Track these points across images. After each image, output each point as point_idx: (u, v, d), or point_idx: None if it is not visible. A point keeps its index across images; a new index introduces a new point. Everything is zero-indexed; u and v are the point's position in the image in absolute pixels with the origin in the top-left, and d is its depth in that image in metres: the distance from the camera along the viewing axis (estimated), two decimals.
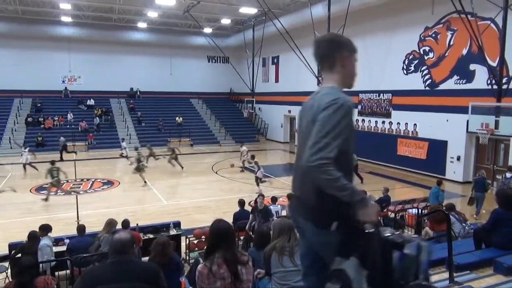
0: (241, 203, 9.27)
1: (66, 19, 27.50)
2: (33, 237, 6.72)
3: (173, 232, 8.29)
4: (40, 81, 29.21)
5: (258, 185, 14.50)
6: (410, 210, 9.76)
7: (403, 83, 18.79)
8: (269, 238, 3.79)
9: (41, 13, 26.42)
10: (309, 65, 20.68)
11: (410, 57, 18.43)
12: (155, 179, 16.53)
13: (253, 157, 16.13)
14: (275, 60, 30.28)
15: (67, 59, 30.34)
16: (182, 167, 18.34)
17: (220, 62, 35.42)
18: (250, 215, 8.70)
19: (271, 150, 27.32)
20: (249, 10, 24.69)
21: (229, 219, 8.88)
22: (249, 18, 27.89)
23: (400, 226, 9.07)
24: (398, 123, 19.26)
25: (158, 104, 31.99)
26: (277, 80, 30.35)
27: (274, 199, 9.52)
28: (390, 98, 19.71)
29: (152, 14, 26.07)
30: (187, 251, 8.29)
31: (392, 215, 9.69)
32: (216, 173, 18.37)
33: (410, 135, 18.57)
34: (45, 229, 7.00)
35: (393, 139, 19.35)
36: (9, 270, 6.96)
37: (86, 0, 23.59)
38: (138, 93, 32.66)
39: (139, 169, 15.60)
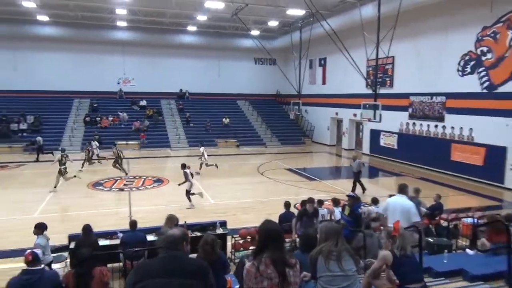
0: (287, 205, 9.27)
1: (121, 24, 28.90)
2: (87, 230, 7.12)
3: (219, 231, 8.44)
4: (97, 82, 30.91)
5: (189, 199, 12.60)
6: (465, 219, 9.27)
7: (458, 86, 17.87)
8: (315, 241, 3.78)
9: (99, 18, 27.94)
10: (357, 66, 20.24)
11: (466, 58, 17.51)
12: (202, 179, 16.92)
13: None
14: (322, 62, 29.97)
15: (122, 62, 31.85)
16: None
17: (266, 64, 35.62)
18: (295, 218, 8.67)
19: (317, 153, 27.05)
20: (296, 12, 24.62)
21: (274, 220, 8.96)
22: (297, 20, 27.79)
23: (454, 235, 8.64)
24: (452, 127, 18.36)
25: (206, 105, 32.72)
26: (324, 82, 30.02)
27: (320, 202, 9.43)
28: (444, 101, 18.82)
29: (202, 17, 26.70)
30: (232, 250, 8.41)
31: (445, 223, 9.26)
32: (262, 174, 18.47)
33: (466, 140, 17.63)
34: (40, 227, 7.04)
35: (446, 144, 18.47)
36: (68, 260, 7.44)
37: (140, 5, 24.63)
38: (187, 94, 33.61)
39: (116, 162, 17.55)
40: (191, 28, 30.22)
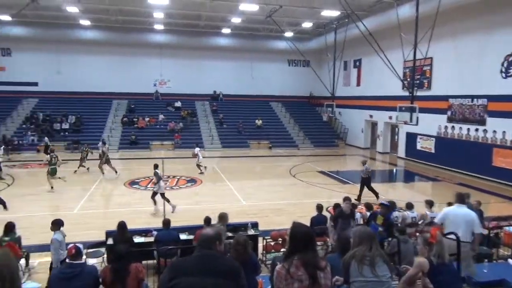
0: (319, 208, 9.18)
1: (158, 27, 29.68)
2: (122, 227, 7.33)
3: (251, 232, 8.48)
4: (135, 84, 31.88)
5: (154, 202, 12.04)
6: (507, 228, 8.84)
7: (501, 87, 17.06)
8: (349, 245, 3.73)
9: (137, 22, 28.81)
10: (393, 68, 19.79)
11: (510, 59, 16.70)
12: (234, 180, 17.06)
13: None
14: (357, 63, 29.48)
15: (158, 64, 32.69)
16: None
17: (300, 65, 35.49)
18: (329, 221, 8.56)
19: (351, 156, 26.62)
20: (331, 13, 24.37)
21: (306, 224, 8.89)
22: (331, 21, 27.50)
23: (494, 244, 8.26)
24: (494, 131, 17.55)
25: (239, 106, 32.99)
26: (358, 84, 29.52)
27: (353, 206, 9.27)
28: (486, 103, 18.02)
29: (236, 20, 26.96)
30: (264, 252, 8.43)
31: (485, 232, 8.87)
32: (294, 176, 18.40)
33: (509, 144, 16.82)
34: (57, 224, 7.21)
35: (487, 149, 17.68)
36: (105, 255, 7.70)
37: (176, 9, 25.18)
38: (221, 96, 34.02)
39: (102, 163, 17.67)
40: (226, 30, 30.57)
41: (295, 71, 35.75)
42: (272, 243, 8.46)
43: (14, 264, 2.34)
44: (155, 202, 11.97)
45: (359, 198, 13.30)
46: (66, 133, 26.81)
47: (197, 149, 18.95)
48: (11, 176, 17.07)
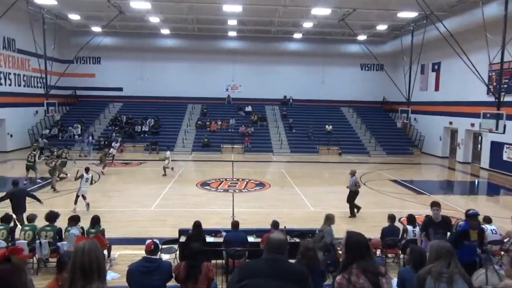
0: (391, 218, 8.80)
1: (232, 34, 30.68)
2: (197, 226, 7.64)
3: None
4: (208, 89, 33.18)
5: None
6: None
7: None
8: (424, 259, 3.53)
9: (212, 29, 30.06)
10: (477, 71, 18.35)
11: None
12: (302, 185, 16.96)
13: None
14: (436, 67, 27.77)
15: (231, 70, 33.71)
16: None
17: (373, 69, 34.38)
18: (418, 232, 7.99)
19: (427, 165, 25.13)
20: (408, 14, 23.32)
21: (377, 234, 8.56)
22: (408, 23, 26.31)
23: None
24: None
25: (309, 111, 32.78)
26: (437, 89, 27.78)
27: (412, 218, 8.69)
28: None
29: (308, 24, 26.90)
30: None
31: None
32: (364, 184, 17.80)
33: None
34: (74, 220, 7.82)
35: None
36: (177, 252, 8.07)
37: (249, 16, 25.82)
38: (291, 100, 34.09)
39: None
40: (297, 35, 30.64)
41: (367, 75, 34.69)
42: (341, 252, 8.26)
43: (102, 255, 2.55)
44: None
45: (352, 214, 12.43)
46: (146, 135, 28.64)
47: (168, 153, 19.15)
48: (97, 173, 18.65)
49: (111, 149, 21.51)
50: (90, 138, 25.75)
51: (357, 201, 12.58)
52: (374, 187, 16.95)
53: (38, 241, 7.73)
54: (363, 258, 2.94)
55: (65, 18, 27.29)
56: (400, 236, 8.50)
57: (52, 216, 8.14)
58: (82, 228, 7.98)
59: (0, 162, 21.28)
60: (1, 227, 7.98)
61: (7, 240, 7.75)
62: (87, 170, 12.92)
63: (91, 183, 12.94)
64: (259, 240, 7.82)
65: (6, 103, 24.63)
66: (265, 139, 29.07)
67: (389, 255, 8.60)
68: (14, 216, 8.88)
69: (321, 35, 31.08)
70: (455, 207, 13.48)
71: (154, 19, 26.25)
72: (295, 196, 15.17)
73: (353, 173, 12.81)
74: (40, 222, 8.27)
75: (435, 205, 7.22)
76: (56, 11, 25.73)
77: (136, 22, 28.07)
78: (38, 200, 10.37)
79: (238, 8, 22.46)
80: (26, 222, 8.46)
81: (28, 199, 10.09)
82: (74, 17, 26.55)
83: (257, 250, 7.26)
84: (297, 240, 8.12)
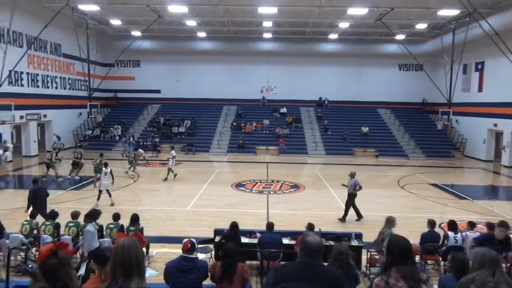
0: (431, 223, 8.49)
1: (267, 35, 30.79)
2: (234, 227, 7.71)
3: (354, 243, 8.24)
4: (243, 91, 33.44)
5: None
6: None
7: None
8: (467, 267, 3.40)
9: (247, 31, 30.29)
10: None
11: None
12: (338, 187, 16.72)
13: (106, 164, 13.68)
14: (479, 66, 26.56)
15: (265, 71, 33.80)
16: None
17: (412, 70, 33.41)
18: (468, 243, 7.67)
19: (469, 169, 24.07)
20: (449, 12, 22.48)
21: (416, 239, 8.30)
22: (449, 21, 25.35)
23: None
24: None
25: (345, 113, 32.31)
26: (480, 89, 26.56)
27: (471, 225, 8.38)
28: None
29: (344, 24, 26.55)
30: (367, 265, 8.11)
31: None
32: (402, 188, 17.33)
33: None
34: (90, 216, 7.79)
35: None
36: (212, 252, 8.18)
37: (285, 17, 25.81)
38: (326, 102, 33.73)
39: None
40: (333, 36, 30.31)
41: (406, 76, 33.76)
42: (377, 257, 8.08)
43: (141, 252, 2.63)
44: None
45: (343, 219, 11.90)
46: (182, 136, 29.24)
47: (172, 152, 18.38)
48: (136, 173, 19.24)
49: (140, 150, 22.05)
50: (131, 138, 26.65)
51: (364, 205, 12.20)
52: (413, 191, 16.45)
53: (81, 237, 8.08)
54: (404, 263, 2.88)
55: (107, 23, 28.39)
56: (440, 243, 8.20)
57: (93, 214, 8.47)
58: (98, 224, 8.19)
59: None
60: (48, 223, 8.40)
61: (53, 236, 8.16)
62: (106, 165, 13.65)
63: (113, 179, 13.46)
64: (293, 242, 7.79)
65: (53, 105, 25.94)
66: (300, 141, 28.92)
67: (429, 262, 8.33)
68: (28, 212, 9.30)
69: (357, 35, 30.56)
70: (499, 213, 12.85)
71: (191, 23, 26.80)
72: (330, 199, 14.99)
73: (352, 175, 12.37)
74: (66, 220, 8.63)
75: (503, 225, 6.82)
76: (98, 17, 26.83)
77: (174, 26, 28.77)
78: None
79: (273, 10, 22.52)
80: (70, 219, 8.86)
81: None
82: (115, 22, 27.57)
83: (292, 252, 7.24)
84: (332, 243, 8.04)
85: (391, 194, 16.10)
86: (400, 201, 14.95)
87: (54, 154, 17.79)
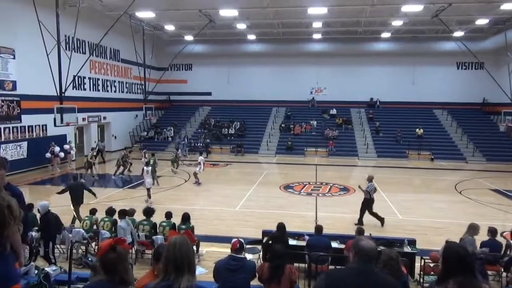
0: (492, 232, 7.98)
1: (316, 36, 30.51)
2: (281, 228, 7.72)
3: (407, 249, 7.94)
4: (292, 92, 33.36)
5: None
6: None
7: None
8: None
9: (297, 33, 30.20)
10: None
11: None
12: (390, 191, 16.21)
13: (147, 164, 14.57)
14: None
15: (315, 72, 33.49)
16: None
17: (471, 68, 31.59)
18: (508, 246, 7.27)
19: None
20: None
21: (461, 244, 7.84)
22: None
23: None
24: None
25: (398, 114, 31.22)
26: None
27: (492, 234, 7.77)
28: None
29: (397, 22, 25.68)
30: (421, 273, 7.78)
31: None
32: (460, 193, 16.41)
33: None
34: (123, 213, 8.50)
35: None
36: (260, 253, 8.25)
37: (335, 17, 25.44)
38: (378, 103, 32.76)
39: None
40: (385, 34, 29.42)
41: (465, 74, 31.95)
42: (432, 265, 7.74)
43: (192, 250, 2.74)
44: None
45: (359, 222, 11.24)
46: (232, 137, 29.73)
47: (201, 157, 18.05)
48: (188, 173, 19.84)
49: (179, 151, 22.69)
50: (186, 140, 27.52)
51: (380, 211, 11.61)
52: (472, 197, 15.53)
53: (136, 233, 8.49)
54: (463, 274, 2.70)
55: (161, 29, 29.59)
56: (502, 252, 7.69)
57: (148, 212, 8.88)
58: (133, 221, 8.79)
59: (106, 161, 23.70)
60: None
61: (111, 231, 8.64)
62: (147, 164, 14.60)
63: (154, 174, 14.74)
64: (343, 246, 7.66)
65: (112, 108, 27.47)
66: (350, 143, 28.33)
67: (489, 272, 7.83)
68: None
69: (411, 33, 29.41)
70: None
71: (241, 26, 27.22)
72: (381, 203, 14.49)
73: (370, 179, 11.70)
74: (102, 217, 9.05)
75: None
76: (154, 23, 28.02)
77: (225, 30, 29.37)
78: (93, 194, 11.49)
79: (323, 10, 22.28)
80: (88, 214, 9.36)
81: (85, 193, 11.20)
82: (169, 27, 28.69)
83: (341, 257, 7.13)
84: (383, 248, 7.81)
85: (447, 200, 15.31)
86: (457, 207, 14.18)
87: (93, 154, 18.96)
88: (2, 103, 18.12)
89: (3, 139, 18.19)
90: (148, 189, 13.80)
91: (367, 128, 29.93)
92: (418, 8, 21.43)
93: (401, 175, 21.21)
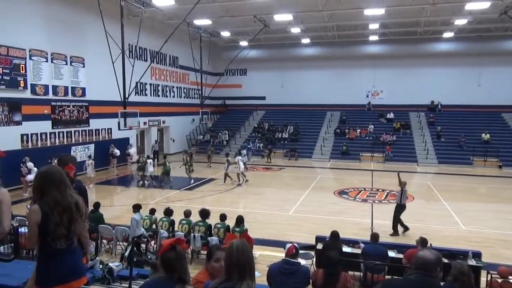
0: None
1: (373, 38, 29.67)
2: (335, 237, 7.60)
3: (471, 262, 7.45)
4: (347, 96, 32.67)
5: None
6: None
7: None
8: None
9: (352, 35, 29.57)
10: None
11: None
12: (452, 200, 15.33)
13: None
14: None
15: (371, 75, 32.57)
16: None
17: None
18: None
19: None
20: None
21: None
22: None
23: None
24: None
25: (461, 118, 29.46)
26: None
27: None
28: None
29: (461, 21, 24.28)
30: None
31: None
32: None
33: None
34: (137, 207, 9.14)
35: None
36: (314, 259, 8.15)
37: (393, 18, 24.60)
38: (439, 106, 31.14)
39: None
40: (447, 34, 27.93)
41: None
42: (499, 281, 7.19)
43: (251, 254, 2.76)
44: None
45: (395, 231, 10.48)
46: (285, 141, 29.72)
47: (238, 158, 18.39)
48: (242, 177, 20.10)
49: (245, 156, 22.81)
50: (251, 144, 27.93)
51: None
52: None
53: (192, 234, 8.76)
54: None
55: (217, 35, 30.39)
56: None
57: (204, 214, 9.13)
58: (153, 217, 9.56)
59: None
60: (164, 219, 9.30)
61: (169, 231, 9.00)
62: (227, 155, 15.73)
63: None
64: (400, 256, 7.37)
65: (171, 112, 28.66)
66: (408, 148, 27.18)
67: None
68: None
69: (477, 32, 27.64)
70: None
71: (295, 30, 27.18)
72: (443, 212, 13.79)
73: (404, 184, 11.06)
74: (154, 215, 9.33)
75: None
76: (210, 30, 28.85)
77: (279, 34, 29.50)
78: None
79: (380, 11, 21.63)
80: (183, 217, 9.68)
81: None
82: (225, 33, 29.38)
83: (399, 267, 6.87)
84: (446, 261, 7.40)
85: None
86: None
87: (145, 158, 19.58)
88: (73, 108, 19.59)
89: (73, 141, 19.65)
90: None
91: (427, 133, 28.53)
92: (484, 5, 20.10)
93: (465, 183, 19.97)
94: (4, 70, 15.65)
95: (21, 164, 15.08)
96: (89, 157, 18.61)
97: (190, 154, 19.99)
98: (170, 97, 29.07)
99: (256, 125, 32.75)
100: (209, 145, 27.49)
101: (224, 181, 17.98)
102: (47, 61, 17.86)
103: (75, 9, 19.15)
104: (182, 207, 10.94)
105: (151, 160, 19.73)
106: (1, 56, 15.47)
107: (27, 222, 3.27)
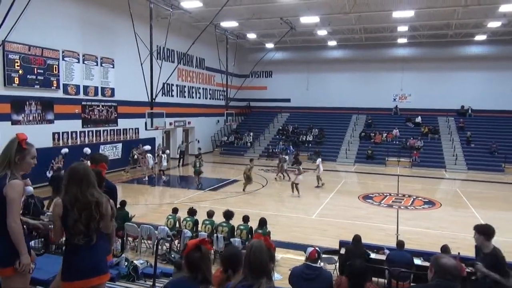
0: None
1: (401, 40, 29.12)
2: (357, 241, 7.48)
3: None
4: (374, 99, 32.15)
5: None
6: None
7: None
8: None
9: (380, 38, 29.11)
10: None
11: None
12: (483, 208, 14.83)
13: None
14: None
15: (399, 79, 31.93)
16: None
17: None
18: None
19: None
20: None
21: None
22: None
23: None
24: None
25: (493, 123, 28.46)
26: None
27: None
28: None
29: (494, 24, 23.52)
30: None
31: None
32: None
33: None
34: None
35: None
36: (337, 264, 8.04)
37: (422, 20, 24.07)
38: (470, 111, 30.23)
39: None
40: (479, 37, 27.12)
41: None
42: None
43: (266, 256, 2.77)
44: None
45: None
46: (310, 144, 29.52)
47: (318, 160, 18.86)
48: (265, 178, 20.13)
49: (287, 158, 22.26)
50: (291, 147, 27.92)
51: None
52: None
53: (215, 235, 8.83)
54: None
55: (243, 37, 30.54)
56: None
57: (228, 215, 9.18)
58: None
59: (189, 164, 25.03)
60: (188, 219, 9.41)
61: (192, 231, 9.10)
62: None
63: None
64: (427, 264, 7.18)
65: (196, 113, 29.00)
66: (436, 154, 26.48)
67: None
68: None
69: (511, 35, 26.70)
70: None
71: (322, 32, 27.01)
72: (472, 219, 13.28)
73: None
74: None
75: None
76: (237, 32, 29.03)
77: (305, 36, 29.40)
78: None
79: (409, 14, 21.22)
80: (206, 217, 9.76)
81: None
82: (251, 36, 29.51)
83: (425, 275, 6.69)
84: (472, 270, 7.16)
85: None
86: None
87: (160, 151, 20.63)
88: (103, 108, 20.12)
89: (102, 140, 20.16)
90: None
91: (457, 138, 27.73)
92: None
93: (496, 190, 19.30)
94: (38, 70, 16.24)
95: (52, 161, 15.63)
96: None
97: (199, 155, 19.89)
98: (195, 98, 29.41)
99: (280, 128, 32.69)
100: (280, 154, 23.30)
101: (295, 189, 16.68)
102: (78, 62, 18.43)
103: (107, 12, 19.68)
104: (205, 208, 11.03)
105: (165, 155, 20.09)
106: (36, 57, 16.08)
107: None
